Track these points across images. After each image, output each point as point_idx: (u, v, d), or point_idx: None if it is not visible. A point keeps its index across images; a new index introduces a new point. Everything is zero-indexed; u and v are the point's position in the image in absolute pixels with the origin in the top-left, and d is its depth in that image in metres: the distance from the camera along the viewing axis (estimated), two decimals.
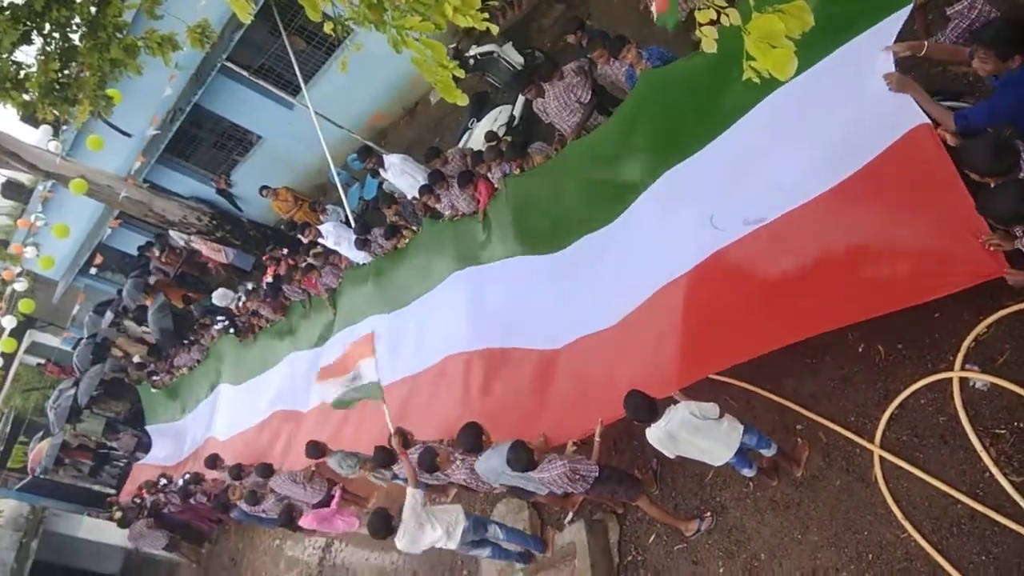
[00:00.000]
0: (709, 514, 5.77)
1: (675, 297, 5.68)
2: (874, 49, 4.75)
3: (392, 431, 6.88)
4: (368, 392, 8.66)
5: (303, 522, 8.52)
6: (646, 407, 4.84)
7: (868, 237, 4.80)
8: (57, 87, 6.95)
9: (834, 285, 4.85)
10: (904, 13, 4.67)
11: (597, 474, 5.36)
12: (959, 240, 4.25)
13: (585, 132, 7.16)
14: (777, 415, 5.63)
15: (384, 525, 6.00)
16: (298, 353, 11.11)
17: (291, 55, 11.42)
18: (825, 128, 5.09)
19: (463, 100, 4.22)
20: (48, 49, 6.95)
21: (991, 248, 4.07)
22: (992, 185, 3.91)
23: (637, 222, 6.24)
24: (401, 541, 5.97)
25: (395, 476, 7.43)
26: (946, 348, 4.93)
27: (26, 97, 6.89)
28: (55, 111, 7.01)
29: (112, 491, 15.87)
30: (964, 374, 4.75)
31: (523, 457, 5.29)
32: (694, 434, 4.91)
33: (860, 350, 5.31)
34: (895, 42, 4.66)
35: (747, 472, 5.37)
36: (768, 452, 5.29)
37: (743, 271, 5.31)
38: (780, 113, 5.37)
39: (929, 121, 4.48)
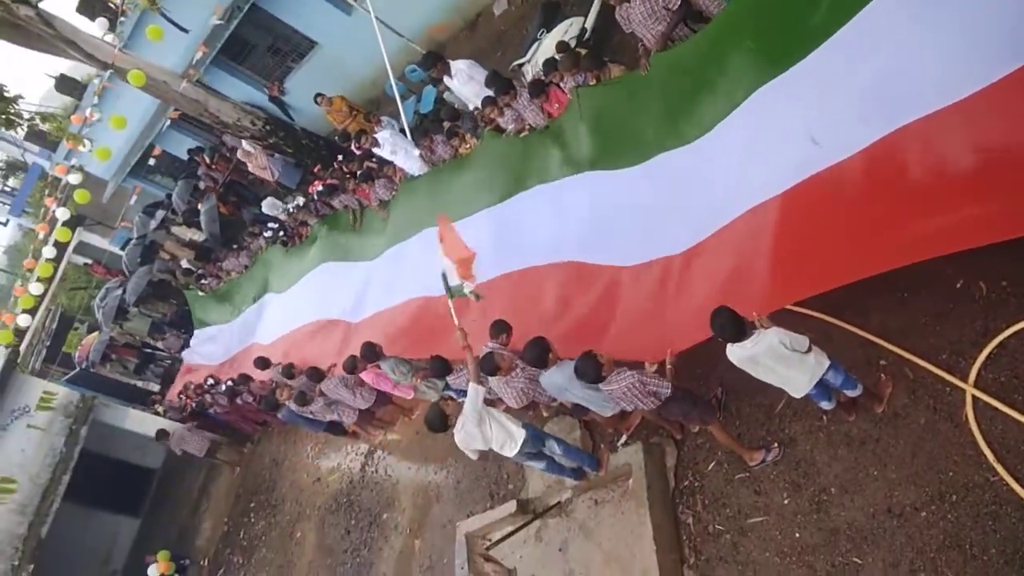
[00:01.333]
0: (776, 445, 5.58)
1: (767, 218, 5.34)
2: None
3: (457, 327, 6.73)
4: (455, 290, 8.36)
5: (364, 375, 8.47)
6: (734, 324, 4.59)
7: (984, 162, 4.42)
8: None
9: (942, 209, 4.50)
10: None
11: (669, 392, 5.17)
12: None
13: (670, 44, 6.74)
14: (860, 349, 5.35)
15: (440, 420, 5.94)
16: (348, 264, 11.00)
17: None
18: (945, 39, 4.64)
19: None
20: None
21: None
22: None
23: (727, 139, 5.85)
24: (459, 434, 5.91)
25: (447, 387, 7.35)
26: None
27: None
28: None
29: (156, 389, 16.27)
30: None
31: (591, 368, 5.12)
32: (778, 362, 4.67)
33: (959, 286, 5.00)
34: None
35: (825, 405, 5.12)
36: (853, 392, 5.03)
37: (844, 192, 4.95)
38: (890, 22, 4.91)
39: None
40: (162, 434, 12.30)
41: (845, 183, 4.96)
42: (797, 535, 5.23)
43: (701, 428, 6.05)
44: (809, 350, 4.61)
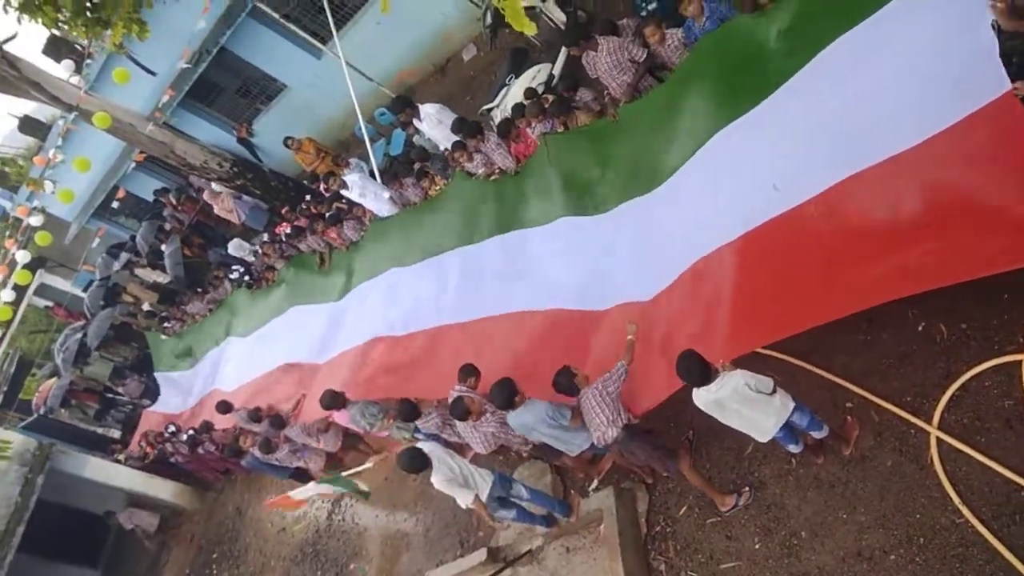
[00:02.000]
0: (747, 489, 5.58)
1: (727, 263, 5.42)
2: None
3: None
4: None
5: (336, 416, 8.34)
6: (699, 369, 4.62)
7: (938, 204, 4.53)
8: (90, 6, 6.69)
9: (900, 252, 4.58)
10: None
11: (626, 420, 5.26)
12: None
13: (636, 94, 6.89)
14: (826, 392, 5.41)
15: (417, 459, 5.76)
16: (313, 306, 10.89)
17: (324, 1, 11.13)
18: (901, 85, 4.78)
19: (532, 28, 3.98)
20: None
21: None
22: None
23: (686, 185, 5.97)
24: (437, 476, 5.82)
25: (417, 430, 7.25)
26: (1015, 330, 4.71)
27: (58, 15, 6.62)
28: (87, 32, 6.74)
29: (117, 435, 15.82)
30: None
31: (564, 380, 5.33)
32: (743, 404, 4.70)
33: (920, 328, 5.09)
34: None
35: (793, 448, 5.15)
36: (819, 434, 5.07)
37: (803, 236, 5.04)
38: (843, 70, 5.07)
39: (1011, 88, 4.20)
40: (110, 515, 12.04)
41: (803, 227, 5.06)
42: None
43: (673, 472, 6.03)
44: (774, 391, 4.64)
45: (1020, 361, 4.58)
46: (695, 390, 4.71)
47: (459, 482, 5.78)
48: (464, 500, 5.87)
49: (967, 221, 4.37)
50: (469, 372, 6.42)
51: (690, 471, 5.61)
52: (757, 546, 5.37)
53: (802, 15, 5.26)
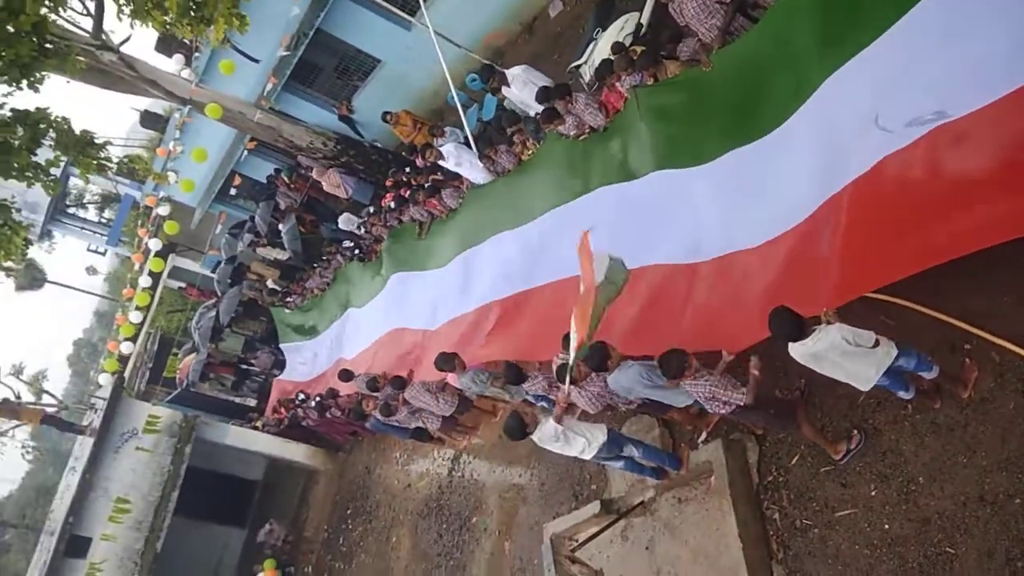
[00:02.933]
0: (856, 432, 5.48)
1: (837, 211, 5.24)
2: None
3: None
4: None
5: (448, 378, 8.68)
6: (792, 325, 4.57)
7: None
8: (193, 6, 7.10)
9: (1012, 191, 4.33)
10: None
11: (742, 402, 5.14)
12: None
13: (729, 37, 6.67)
14: (942, 334, 5.19)
15: (519, 427, 5.98)
16: (417, 273, 11.28)
17: None
18: (1000, 29, 4.46)
19: None
20: None
21: None
22: None
23: (795, 134, 5.74)
24: (538, 434, 5.99)
25: (525, 393, 7.47)
26: None
27: (166, 18, 7.07)
28: (192, 31, 7.17)
29: (253, 403, 17.03)
30: None
31: (675, 364, 5.17)
32: (843, 357, 4.60)
33: None
34: None
35: (903, 395, 5.02)
36: (929, 375, 4.91)
37: (914, 177, 4.82)
38: (958, 4, 4.76)
39: None
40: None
41: (911, 168, 4.83)
42: (886, 527, 5.13)
43: (792, 431, 6.00)
44: (876, 344, 4.52)
45: None
46: (791, 344, 4.66)
47: (557, 444, 5.92)
48: (575, 451, 6.04)
49: None
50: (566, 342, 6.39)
51: (806, 425, 5.54)
52: (873, 493, 5.29)
53: None
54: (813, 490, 5.71)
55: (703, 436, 6.74)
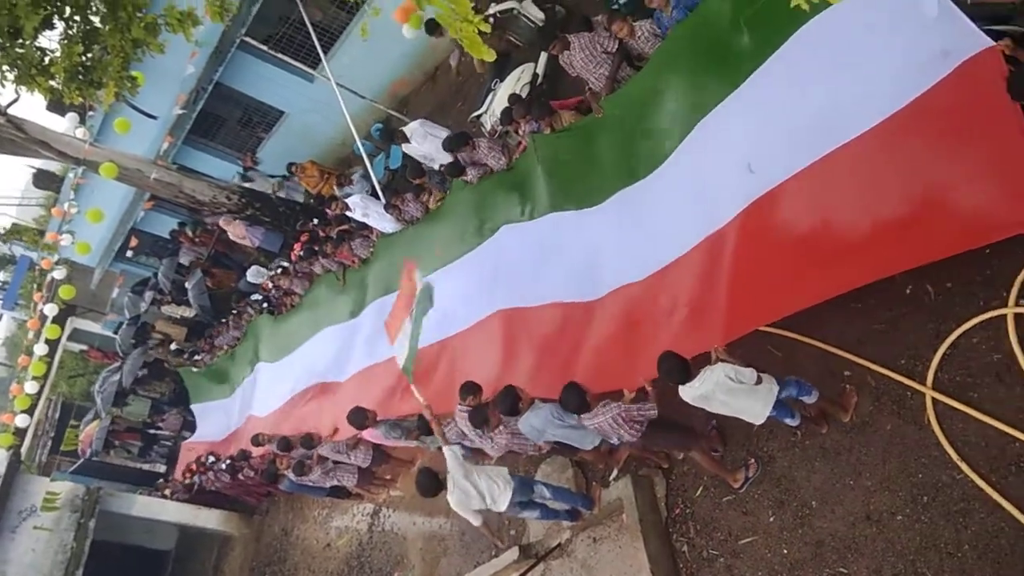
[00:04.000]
0: (752, 460, 5.73)
1: (716, 249, 5.56)
2: None
3: (422, 404, 6.91)
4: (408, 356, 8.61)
5: (363, 433, 8.47)
6: (679, 368, 4.79)
7: (917, 178, 4.61)
8: (82, 71, 6.96)
9: (882, 232, 4.68)
10: None
11: (656, 413, 5.29)
12: (1011, 182, 4.06)
13: (616, 84, 7.02)
14: (823, 362, 5.53)
15: (432, 482, 6.02)
16: (334, 327, 11.16)
17: (309, 26, 11.35)
18: (868, 62, 4.86)
19: (490, 56, 4.15)
20: (70, 33, 6.93)
21: None
22: None
23: (674, 173, 6.12)
24: (452, 496, 5.99)
25: (434, 441, 7.46)
26: (999, 284, 4.78)
27: (52, 83, 6.90)
28: (81, 96, 7.01)
29: (163, 470, 16.32)
30: (1019, 310, 4.61)
31: (574, 398, 5.27)
32: (728, 395, 4.83)
33: (908, 291, 5.18)
34: None
35: (790, 422, 5.31)
36: (810, 399, 5.20)
37: (784, 220, 5.16)
38: (816, 49, 5.16)
39: (993, 44, 4.23)
40: None
41: (787, 208, 5.17)
42: (785, 551, 5.35)
43: (685, 455, 6.20)
44: (759, 381, 4.77)
45: (1004, 315, 4.67)
46: (680, 388, 4.87)
47: (474, 503, 5.95)
48: (475, 521, 6.14)
49: (942, 195, 4.45)
50: (469, 390, 6.37)
51: (701, 454, 5.76)
52: (771, 519, 5.52)
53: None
54: (717, 520, 5.90)
55: (614, 473, 6.88)
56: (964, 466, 4.57)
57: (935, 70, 4.49)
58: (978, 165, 4.32)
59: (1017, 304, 4.64)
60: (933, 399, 4.85)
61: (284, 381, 11.93)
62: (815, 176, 5.08)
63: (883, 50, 4.80)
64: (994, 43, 4.15)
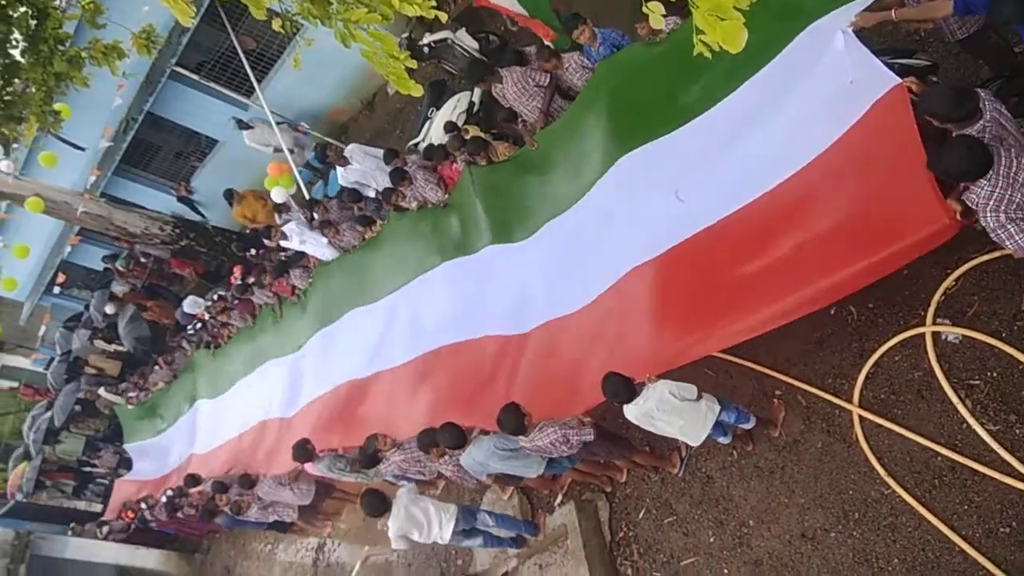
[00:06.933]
0: (683, 446, 5.83)
1: (645, 280, 5.66)
2: (838, 25, 4.72)
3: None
4: None
5: (309, 468, 8.36)
6: (624, 388, 4.85)
7: (838, 213, 4.72)
8: (2, 105, 6.77)
9: (808, 267, 4.77)
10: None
11: (592, 437, 5.34)
12: (914, 201, 4.24)
13: (550, 118, 7.12)
14: (756, 382, 5.67)
15: (379, 503, 5.91)
16: (276, 360, 10.94)
17: (241, 55, 11.26)
18: (794, 111, 5.04)
19: (417, 91, 4.17)
20: None
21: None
22: (953, 133, 3.92)
23: (600, 205, 6.23)
24: (394, 522, 5.93)
25: (377, 474, 7.38)
26: (917, 304, 4.99)
27: None
28: (2, 130, 6.82)
29: (99, 508, 15.71)
30: (936, 328, 4.81)
31: (512, 419, 5.25)
32: (671, 413, 4.91)
33: (832, 312, 5.34)
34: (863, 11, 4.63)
35: (722, 440, 5.44)
36: (747, 426, 5.34)
37: (714, 257, 5.25)
38: (747, 102, 5.32)
39: (900, 82, 4.42)
40: None
41: (719, 245, 5.28)
42: (726, 571, 5.44)
43: (627, 472, 6.29)
44: (699, 397, 4.87)
45: (923, 334, 4.87)
46: (624, 406, 4.93)
47: (414, 533, 5.92)
48: (401, 546, 6.12)
49: (860, 225, 4.59)
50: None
51: (639, 454, 5.93)
52: (712, 539, 5.60)
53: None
54: (660, 542, 5.97)
55: (559, 498, 6.90)
56: (891, 481, 4.72)
57: (855, 109, 4.67)
58: (892, 195, 4.50)
59: (935, 322, 4.84)
60: (860, 416, 5.00)
61: (226, 418, 11.60)
62: (748, 216, 5.19)
63: (810, 95, 4.98)
64: (900, 80, 4.35)
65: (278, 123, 11.63)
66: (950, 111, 3.85)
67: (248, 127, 12.11)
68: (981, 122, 3.77)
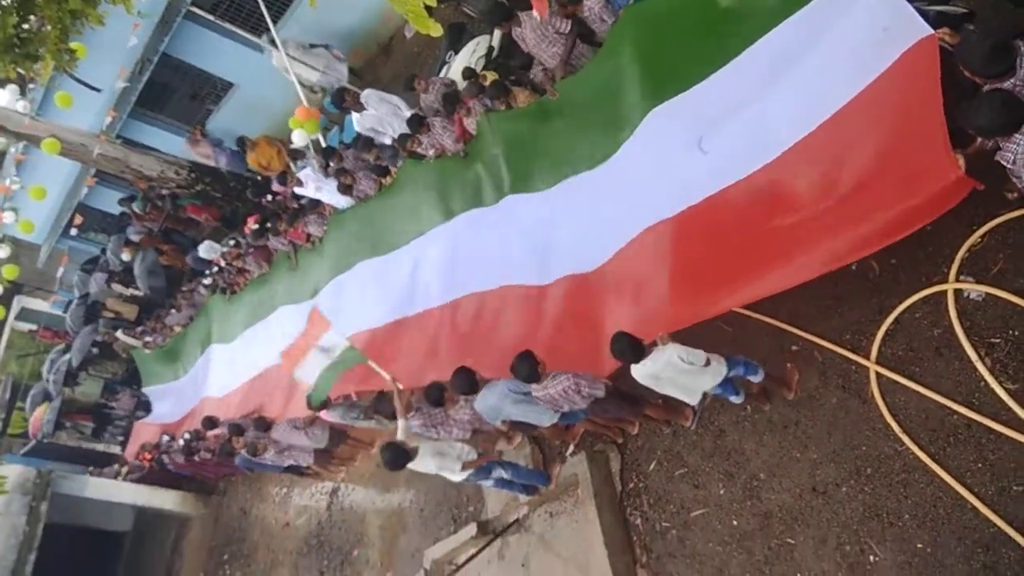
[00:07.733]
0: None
1: (668, 236, 5.58)
2: None
3: (388, 379, 6.86)
4: (345, 362, 8.37)
5: (324, 415, 8.45)
6: (632, 348, 4.82)
7: (858, 169, 4.63)
8: (17, 43, 6.71)
9: (831, 223, 4.69)
10: None
11: (603, 394, 5.34)
12: (926, 159, 4.13)
13: (570, 65, 6.95)
14: (772, 337, 5.61)
15: (400, 456, 5.76)
16: (290, 306, 10.99)
17: None
18: (824, 58, 4.88)
19: (436, 30, 4.07)
20: (4, 4, 6.66)
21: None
22: (985, 88, 3.79)
23: (628, 161, 6.10)
24: (425, 460, 5.88)
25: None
26: (940, 261, 4.89)
27: None
28: (18, 68, 6.76)
29: (118, 450, 16.04)
30: (959, 285, 4.73)
31: (526, 366, 5.23)
32: (678, 375, 4.90)
33: (854, 268, 5.24)
34: None
35: (735, 399, 5.43)
36: (756, 378, 5.30)
37: (740, 213, 5.17)
38: (777, 48, 5.16)
39: (931, 33, 4.26)
40: None
41: (740, 203, 5.19)
42: (735, 523, 5.48)
43: (639, 425, 6.31)
44: (707, 363, 4.83)
45: (945, 291, 4.79)
46: (632, 366, 4.91)
47: (445, 459, 5.93)
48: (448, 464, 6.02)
49: (888, 176, 4.48)
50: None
51: (652, 409, 5.91)
52: (722, 491, 5.64)
53: None
54: (670, 493, 6.01)
55: (571, 448, 6.95)
56: (906, 438, 4.70)
57: (879, 62, 4.52)
58: (906, 152, 4.39)
59: (957, 280, 4.76)
60: (877, 373, 4.96)
61: (241, 361, 11.74)
62: (774, 170, 5.07)
63: (842, 42, 4.82)
64: (931, 32, 4.20)
65: (311, 46, 11.37)
66: (987, 67, 3.72)
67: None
68: (1014, 78, 3.64)
